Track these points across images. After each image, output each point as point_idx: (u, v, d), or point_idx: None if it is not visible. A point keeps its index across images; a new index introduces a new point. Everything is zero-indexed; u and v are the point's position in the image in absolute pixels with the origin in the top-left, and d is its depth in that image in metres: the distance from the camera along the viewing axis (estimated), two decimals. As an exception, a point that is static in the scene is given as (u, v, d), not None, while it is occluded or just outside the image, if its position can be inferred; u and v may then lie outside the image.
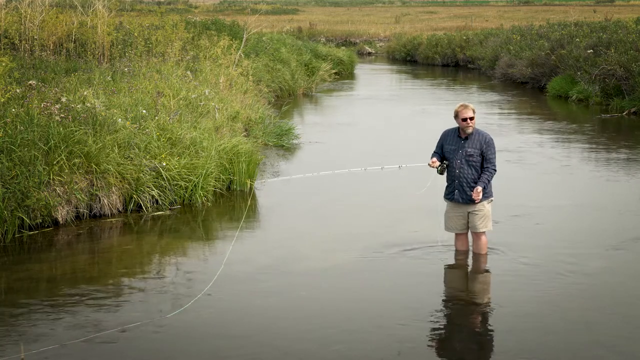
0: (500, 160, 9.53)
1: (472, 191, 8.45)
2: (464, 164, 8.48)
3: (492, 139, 8.55)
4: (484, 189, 8.44)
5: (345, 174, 13.27)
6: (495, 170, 8.53)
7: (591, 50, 24.64)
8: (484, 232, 8.74)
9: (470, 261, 8.79)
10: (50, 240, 9.59)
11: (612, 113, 21.26)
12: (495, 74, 32.14)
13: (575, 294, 7.83)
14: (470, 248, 8.92)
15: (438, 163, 8.60)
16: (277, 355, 6.48)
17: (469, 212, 8.63)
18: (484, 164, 8.47)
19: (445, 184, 8.78)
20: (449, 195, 8.72)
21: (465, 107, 8.44)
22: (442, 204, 8.99)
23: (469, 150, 8.46)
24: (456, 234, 8.89)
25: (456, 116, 8.49)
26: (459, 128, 8.56)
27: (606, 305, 7.58)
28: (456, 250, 8.94)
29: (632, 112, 21.01)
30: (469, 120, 8.41)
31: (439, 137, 8.80)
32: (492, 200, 8.71)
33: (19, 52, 17.27)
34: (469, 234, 8.88)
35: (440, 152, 8.69)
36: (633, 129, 19.34)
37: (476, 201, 8.46)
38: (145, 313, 7.27)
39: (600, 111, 21.76)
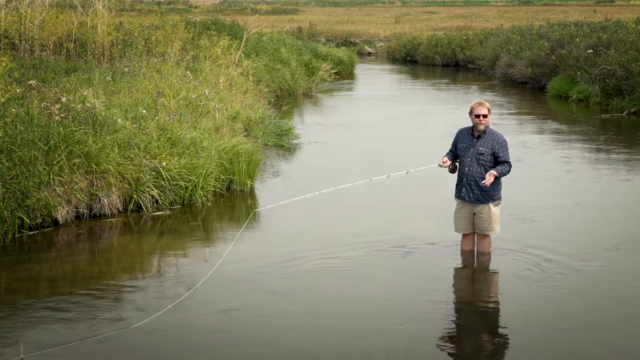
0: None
1: (480, 190, 8.49)
2: (474, 162, 8.50)
3: (505, 140, 8.58)
4: (496, 179, 8.45)
5: (346, 174, 13.27)
6: (510, 169, 8.53)
7: (591, 50, 24.64)
8: (488, 234, 8.75)
9: (472, 261, 8.79)
10: (50, 240, 9.58)
11: (612, 113, 21.26)
12: (495, 74, 32.13)
13: (576, 294, 7.83)
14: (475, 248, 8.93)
15: (449, 162, 8.61)
16: (277, 355, 6.48)
17: (474, 214, 8.64)
18: (501, 162, 8.48)
19: (462, 184, 8.77)
20: (457, 193, 8.74)
21: (480, 104, 8.53)
22: (450, 206, 8.96)
23: (480, 148, 8.49)
24: (463, 234, 8.90)
25: (470, 112, 8.56)
26: (473, 127, 8.60)
27: (606, 305, 7.58)
28: (461, 250, 8.94)
29: (632, 112, 21.01)
30: (481, 118, 8.46)
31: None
32: (499, 203, 8.70)
33: (19, 52, 17.29)
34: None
35: (454, 151, 8.73)
36: (633, 129, 19.33)
37: (483, 184, 8.39)
38: (145, 313, 7.27)
39: (600, 111, 21.76)
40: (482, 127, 8.49)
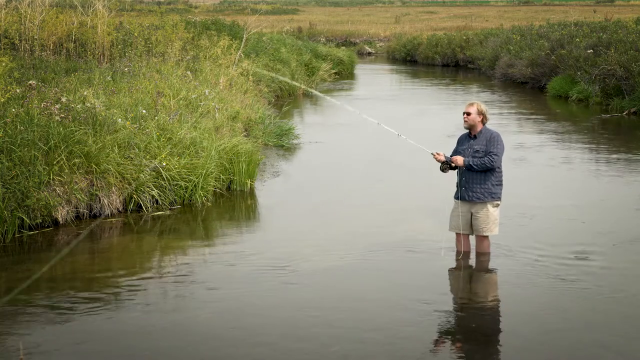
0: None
1: (479, 186, 8.54)
2: (470, 160, 8.55)
3: (498, 136, 8.62)
4: (487, 174, 8.49)
5: (347, 173, 13.30)
6: (492, 163, 8.45)
7: (591, 50, 24.65)
8: (487, 236, 8.75)
9: (471, 262, 8.78)
10: (50, 240, 9.58)
11: (612, 113, 21.26)
12: (495, 74, 32.15)
13: (575, 294, 7.83)
14: (473, 249, 8.91)
15: (443, 158, 8.63)
16: (276, 355, 6.47)
17: (472, 213, 8.65)
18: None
19: (462, 184, 8.78)
20: (456, 195, 8.77)
21: (470, 104, 8.76)
22: (450, 206, 8.96)
23: (475, 147, 8.59)
24: (457, 234, 8.90)
25: None
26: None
27: (606, 305, 7.58)
28: (456, 251, 8.93)
29: (632, 112, 21.01)
30: (465, 115, 8.66)
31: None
32: (498, 204, 8.69)
33: (19, 52, 17.29)
34: (471, 237, 8.89)
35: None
36: (633, 129, 19.34)
37: (435, 157, 8.60)
38: (144, 313, 7.27)
39: (600, 111, 21.76)
40: (466, 125, 8.68)
